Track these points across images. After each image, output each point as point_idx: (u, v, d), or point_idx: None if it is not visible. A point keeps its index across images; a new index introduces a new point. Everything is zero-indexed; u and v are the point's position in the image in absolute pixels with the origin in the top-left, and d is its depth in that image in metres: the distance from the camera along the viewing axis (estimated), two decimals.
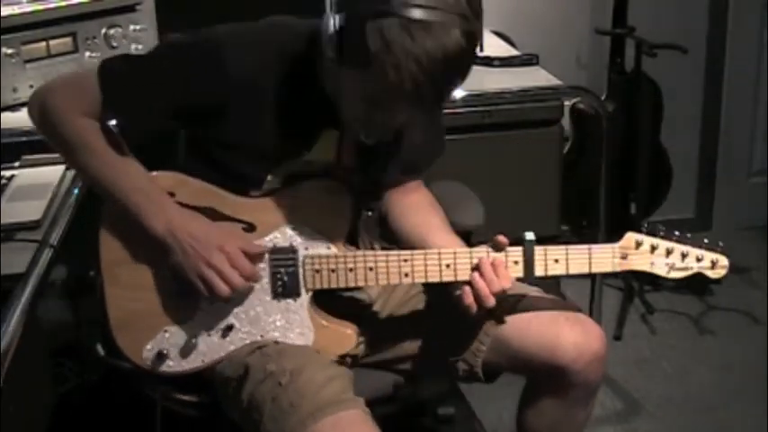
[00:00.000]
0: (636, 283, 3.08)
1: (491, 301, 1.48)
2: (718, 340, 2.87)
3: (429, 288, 1.68)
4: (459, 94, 2.36)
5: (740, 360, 2.75)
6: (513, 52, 2.70)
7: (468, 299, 1.49)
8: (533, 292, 1.65)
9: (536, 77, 2.46)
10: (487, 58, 2.59)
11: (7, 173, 1.96)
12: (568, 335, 1.56)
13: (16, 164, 2.00)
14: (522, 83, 2.40)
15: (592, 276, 2.61)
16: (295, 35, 1.51)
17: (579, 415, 1.67)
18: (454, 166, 2.29)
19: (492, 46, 2.74)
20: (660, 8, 3.24)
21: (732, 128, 3.48)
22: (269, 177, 1.55)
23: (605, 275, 2.69)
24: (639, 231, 1.55)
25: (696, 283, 3.12)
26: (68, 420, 2.29)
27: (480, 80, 2.47)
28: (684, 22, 3.29)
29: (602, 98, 2.97)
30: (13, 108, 2.10)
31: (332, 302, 1.61)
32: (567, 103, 2.58)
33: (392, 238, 1.71)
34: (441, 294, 1.62)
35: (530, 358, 1.58)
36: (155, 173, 1.54)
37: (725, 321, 2.97)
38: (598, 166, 2.48)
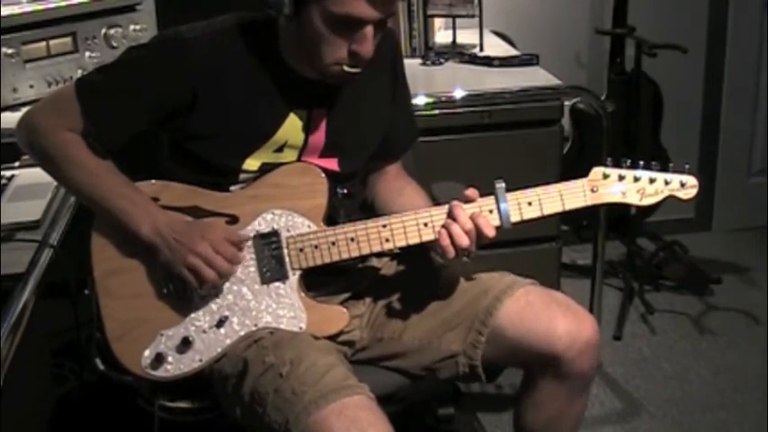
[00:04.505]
0: (636, 283, 3.09)
1: (464, 240, 1.51)
2: (718, 340, 2.86)
3: (423, 285, 1.70)
4: (459, 94, 2.36)
5: (740, 360, 2.75)
6: (513, 52, 2.71)
7: (445, 240, 1.52)
8: (528, 283, 1.66)
9: (536, 77, 2.46)
10: (487, 57, 2.59)
11: (7, 173, 1.96)
12: (561, 322, 1.59)
13: (16, 164, 2.00)
14: (522, 83, 2.41)
15: (592, 276, 2.61)
16: (251, 20, 1.58)
17: (575, 408, 1.68)
18: (454, 166, 2.30)
19: (492, 46, 2.74)
20: (660, 8, 3.24)
21: (732, 128, 3.48)
22: (244, 166, 1.59)
23: (606, 275, 2.70)
24: (605, 165, 1.56)
25: (696, 283, 3.14)
26: (68, 420, 2.29)
27: (480, 80, 2.47)
28: (684, 22, 3.29)
29: (602, 98, 2.97)
30: (13, 108, 2.10)
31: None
32: (567, 103, 2.58)
33: None
34: (435, 288, 1.68)
35: (525, 348, 1.59)
36: (138, 183, 1.59)
37: (725, 321, 2.97)
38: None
